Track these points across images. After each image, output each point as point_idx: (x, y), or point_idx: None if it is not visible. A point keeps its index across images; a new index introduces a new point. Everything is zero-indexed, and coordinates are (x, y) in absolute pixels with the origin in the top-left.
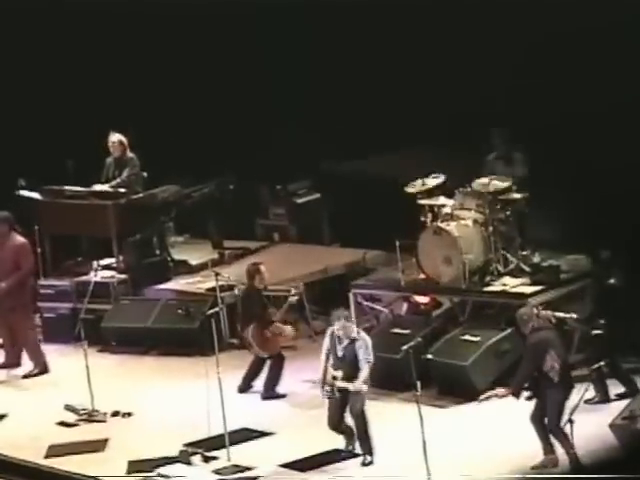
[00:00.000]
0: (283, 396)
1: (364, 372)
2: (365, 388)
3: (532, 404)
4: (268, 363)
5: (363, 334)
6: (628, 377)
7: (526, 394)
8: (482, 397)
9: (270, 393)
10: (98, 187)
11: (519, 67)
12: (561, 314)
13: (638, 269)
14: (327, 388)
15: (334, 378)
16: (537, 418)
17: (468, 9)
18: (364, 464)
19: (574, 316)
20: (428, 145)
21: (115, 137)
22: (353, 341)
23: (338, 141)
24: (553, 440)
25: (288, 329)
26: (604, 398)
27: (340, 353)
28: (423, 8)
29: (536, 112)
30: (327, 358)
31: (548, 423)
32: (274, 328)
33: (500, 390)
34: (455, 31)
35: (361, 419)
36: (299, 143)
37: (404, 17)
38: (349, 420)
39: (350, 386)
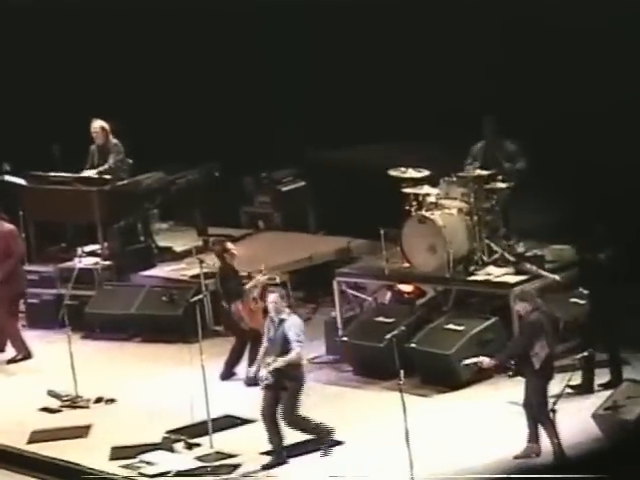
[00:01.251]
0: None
1: (293, 353)
2: (279, 364)
3: (516, 392)
4: (248, 347)
5: (294, 316)
6: (619, 366)
7: (510, 373)
8: (467, 361)
9: (253, 380)
10: (87, 173)
11: (512, 62)
12: (544, 272)
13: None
14: (263, 376)
15: (268, 364)
16: (528, 404)
17: (465, 6)
18: (323, 456)
19: (557, 277)
20: (415, 134)
21: (97, 124)
22: (282, 321)
23: (324, 130)
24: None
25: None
26: (589, 388)
27: (272, 334)
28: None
29: (526, 105)
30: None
31: (534, 410)
32: (255, 301)
33: (485, 359)
34: (449, 26)
35: (295, 423)
36: (285, 131)
37: (394, 9)
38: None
39: (273, 363)
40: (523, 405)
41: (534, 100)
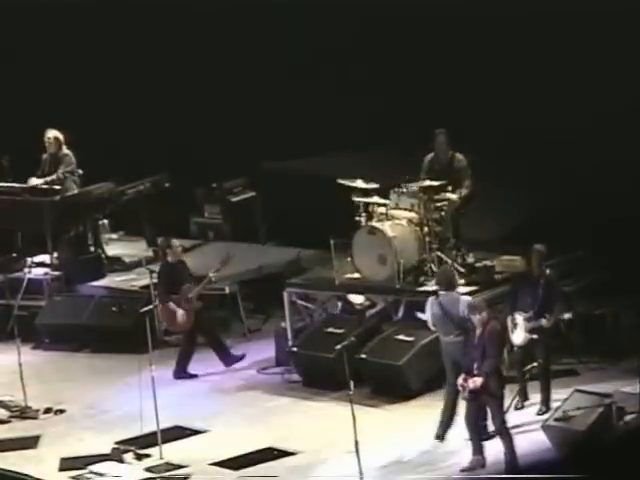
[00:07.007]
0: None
1: None
2: None
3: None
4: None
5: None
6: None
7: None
8: (463, 396)
9: (182, 374)
10: (34, 180)
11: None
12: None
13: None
14: None
15: None
16: (471, 419)
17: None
18: None
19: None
20: (365, 146)
21: (51, 133)
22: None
23: (275, 140)
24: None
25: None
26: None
27: None
28: None
29: (478, 113)
30: None
31: (493, 422)
32: (189, 302)
33: (476, 379)
34: (398, 37)
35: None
36: (236, 141)
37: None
38: None
39: None
40: (465, 419)
41: (488, 112)
